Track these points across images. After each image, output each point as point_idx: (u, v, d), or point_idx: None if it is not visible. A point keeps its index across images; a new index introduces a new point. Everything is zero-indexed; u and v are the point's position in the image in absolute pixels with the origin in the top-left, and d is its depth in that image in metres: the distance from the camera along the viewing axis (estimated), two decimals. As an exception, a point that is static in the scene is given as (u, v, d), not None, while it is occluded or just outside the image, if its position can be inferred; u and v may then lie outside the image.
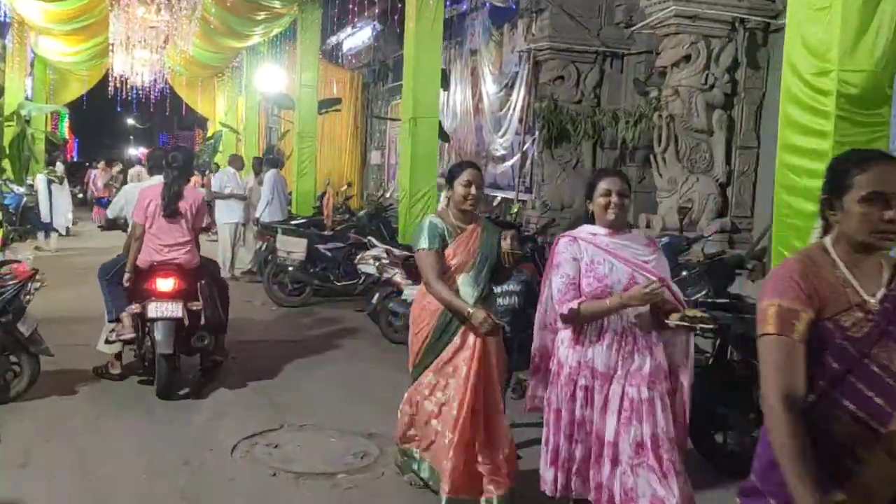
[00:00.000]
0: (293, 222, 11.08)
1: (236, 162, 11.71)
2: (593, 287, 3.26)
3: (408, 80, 9.05)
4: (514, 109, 10.98)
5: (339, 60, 19.94)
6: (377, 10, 17.08)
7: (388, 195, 13.00)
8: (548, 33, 9.28)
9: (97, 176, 19.32)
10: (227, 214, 11.28)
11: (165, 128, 41.29)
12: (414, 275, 6.67)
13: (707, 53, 7.18)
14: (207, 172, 19.44)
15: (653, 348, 3.32)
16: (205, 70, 19.83)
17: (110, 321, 6.03)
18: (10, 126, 14.81)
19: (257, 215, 11.01)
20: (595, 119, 9.04)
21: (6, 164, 11.68)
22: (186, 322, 5.65)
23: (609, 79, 9.51)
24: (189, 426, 5.21)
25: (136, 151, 46.84)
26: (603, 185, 3.36)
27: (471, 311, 3.73)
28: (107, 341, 6.05)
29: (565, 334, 3.41)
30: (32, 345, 5.61)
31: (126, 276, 5.78)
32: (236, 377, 6.40)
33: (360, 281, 9.17)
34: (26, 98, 16.69)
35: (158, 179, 6.07)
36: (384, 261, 7.89)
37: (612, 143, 9.40)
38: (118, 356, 6.10)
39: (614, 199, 3.28)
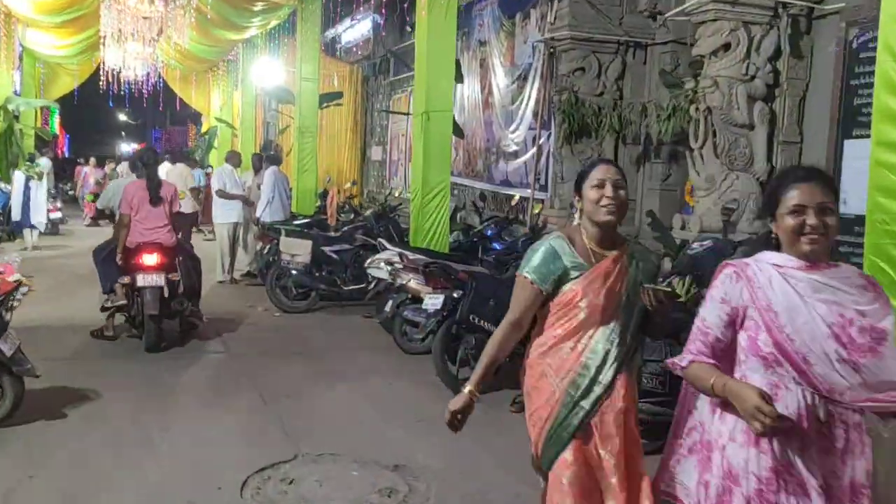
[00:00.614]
0: (296, 222, 10.48)
1: (234, 159, 11.08)
2: (761, 349, 2.26)
3: (420, 72, 8.44)
4: (527, 103, 10.38)
5: (338, 53, 19.30)
6: (377, 2, 16.48)
7: (396, 193, 12.39)
8: (567, 22, 8.67)
9: (87, 174, 18.60)
10: (224, 214, 10.65)
11: (158, 123, 40.51)
12: (436, 282, 6.08)
13: (748, 41, 6.59)
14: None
15: (865, 446, 2.28)
16: (199, 64, 19.13)
17: (104, 293, 7.23)
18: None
19: (258, 215, 10.38)
20: (621, 112, 8.44)
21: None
22: (167, 290, 6.85)
23: (631, 70, 8.92)
24: (193, 459, 4.60)
25: (128, 147, 46.07)
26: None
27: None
28: (102, 308, 7.25)
29: (728, 417, 2.33)
30: (15, 365, 5.02)
31: (118, 256, 6.91)
32: (242, 396, 5.80)
33: (371, 285, 8.57)
34: (14, 93, 15.98)
35: (134, 178, 7.53)
36: (398, 265, 7.30)
37: (635, 138, 8.81)
38: (110, 320, 7.28)
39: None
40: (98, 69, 18.39)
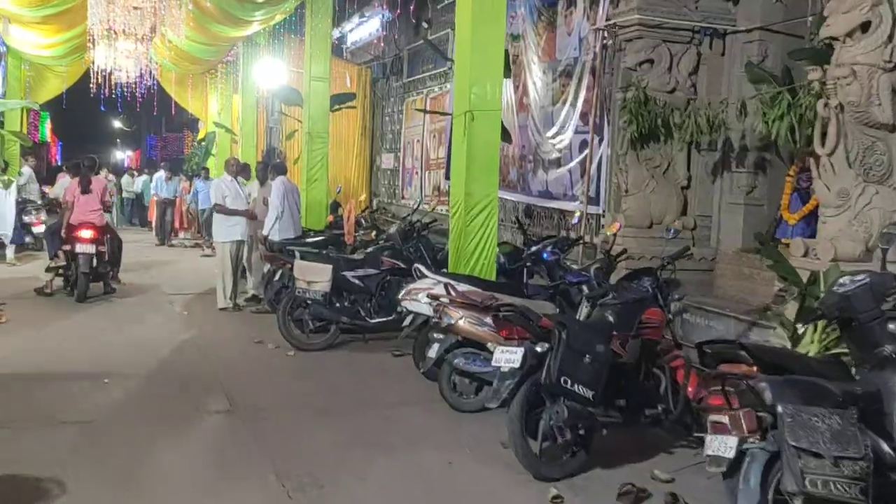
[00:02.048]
0: (308, 239, 8.98)
1: (234, 167, 9.53)
2: None
3: (462, 64, 6.97)
4: (573, 103, 8.91)
5: (344, 55, 17.78)
6: (387, -1, 15.02)
7: (412, 204, 10.89)
8: (636, 5, 7.19)
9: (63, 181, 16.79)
10: (225, 231, 9.14)
11: (153, 129, 38.83)
12: (512, 329, 4.59)
13: (892, 20, 5.15)
14: (193, 178, 17.22)
15: None
16: (196, 65, 17.58)
17: (50, 258, 9.75)
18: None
19: (265, 233, 8.86)
20: (705, 112, 6.96)
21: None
22: (95, 257, 9.17)
23: (707, 62, 7.47)
24: None
25: (122, 155, 44.37)
26: None
27: None
28: (47, 269, 9.68)
29: None
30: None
31: (63, 231, 9.22)
32: (253, 481, 4.28)
33: (403, 318, 7.10)
34: (-6, 95, 14.44)
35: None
36: (443, 299, 5.80)
37: (711, 143, 7.34)
38: (51, 282, 9.57)
39: None
40: (88, 72, 16.87)
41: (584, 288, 5.95)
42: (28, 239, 13.62)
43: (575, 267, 6.77)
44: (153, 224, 18.06)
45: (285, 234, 8.87)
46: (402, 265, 7.66)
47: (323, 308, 7.27)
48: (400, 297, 6.54)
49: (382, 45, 15.97)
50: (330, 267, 7.28)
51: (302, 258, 7.39)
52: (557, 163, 9.38)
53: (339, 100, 12.66)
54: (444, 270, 7.63)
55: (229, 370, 6.55)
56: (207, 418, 5.40)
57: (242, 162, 10.08)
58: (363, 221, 10.40)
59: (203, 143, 19.63)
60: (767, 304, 6.65)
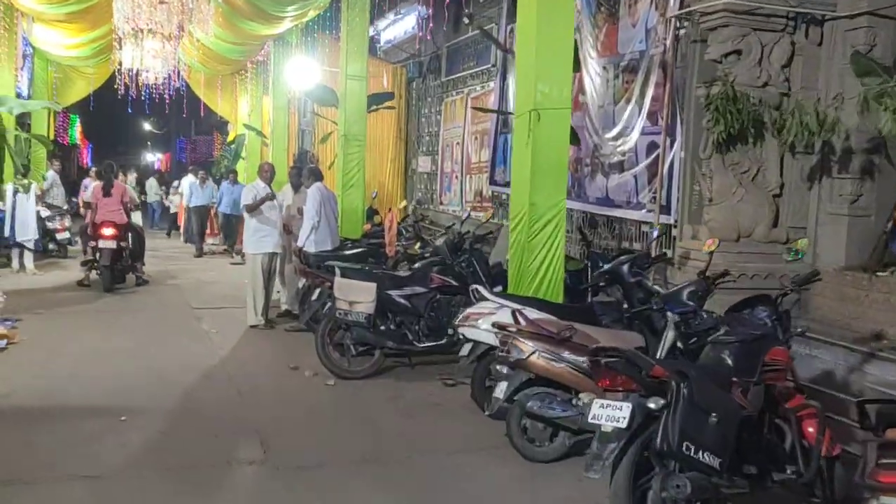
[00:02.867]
0: (346, 251, 8.13)
1: (269, 173, 8.68)
2: None
3: (526, 57, 6.08)
4: (639, 101, 7.96)
5: (377, 53, 16.93)
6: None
7: (451, 211, 10.00)
8: (723, -12, 6.25)
9: (89, 186, 15.76)
10: (257, 242, 8.31)
11: (182, 132, 38.36)
12: (619, 380, 3.66)
13: None
14: (220, 181, 16.23)
15: None
16: (225, 66, 16.85)
17: (84, 253, 11.46)
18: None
19: (299, 244, 8.02)
20: (818, 108, 5.98)
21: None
22: (117, 252, 10.23)
23: (803, 53, 6.49)
24: None
25: (153, 157, 44.05)
26: None
27: None
28: (82, 263, 10.86)
29: None
30: None
31: (88, 229, 10.61)
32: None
33: (455, 342, 6.23)
34: (18, 96, 13.79)
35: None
36: (512, 329, 4.91)
37: (808, 145, 6.35)
38: (87, 275, 10.58)
39: None
40: (115, 74, 16.23)
41: (670, 315, 4.99)
42: (52, 246, 12.98)
43: (658, 288, 5.81)
44: (182, 231, 17.29)
45: (322, 246, 8.03)
46: (454, 283, 6.78)
47: (366, 332, 6.41)
48: (456, 322, 5.65)
49: (419, 43, 15.13)
50: (373, 286, 6.40)
51: (343, 275, 6.53)
52: (619, 167, 8.42)
53: (377, 100, 11.83)
54: (499, 289, 6.79)
55: (263, 406, 5.71)
56: (238, 470, 4.55)
57: (270, 163, 9.19)
58: (404, 231, 9.53)
59: (232, 146, 18.90)
60: (881, 331, 5.69)
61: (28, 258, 11.22)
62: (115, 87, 15.96)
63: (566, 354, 4.71)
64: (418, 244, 8.25)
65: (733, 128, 6.21)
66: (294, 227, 8.55)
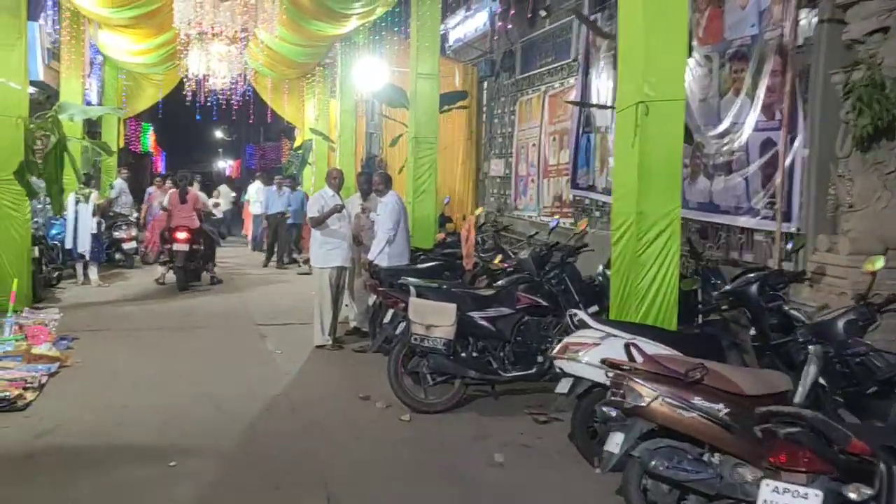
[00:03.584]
0: (420, 265, 7.36)
1: (338, 180, 7.95)
2: None
3: (631, 42, 5.19)
4: (750, 93, 6.94)
5: (445, 53, 16.15)
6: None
7: (527, 216, 9.12)
8: (869, -47, 5.22)
9: (152, 195, 14.42)
10: (325, 255, 7.61)
11: (252, 139, 38.46)
12: (801, 456, 2.73)
13: None
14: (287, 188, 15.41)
15: None
16: (292, 69, 16.36)
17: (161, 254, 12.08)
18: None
19: (371, 258, 7.28)
20: None
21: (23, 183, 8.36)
22: (190, 253, 11.08)
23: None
24: None
25: (224, 164, 44.44)
26: None
27: None
28: (160, 263, 11.75)
29: None
30: None
31: (165, 232, 11.24)
32: None
33: (546, 370, 5.38)
34: (87, 104, 13.54)
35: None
36: (625, 368, 4.03)
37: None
38: (164, 274, 11.42)
39: None
40: (183, 81, 15.96)
41: (813, 349, 3.99)
42: (118, 256, 12.64)
43: (800, 315, 4.81)
44: (250, 239, 16.86)
45: (397, 261, 7.28)
46: (543, 302, 5.91)
47: (445, 359, 5.60)
48: (553, 353, 4.78)
49: (490, 40, 14.30)
50: (453, 307, 5.59)
51: (419, 295, 5.74)
52: (727, 168, 7.39)
53: (450, 99, 11.07)
54: (594, 310, 5.91)
55: (330, 446, 4.96)
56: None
57: (339, 170, 8.48)
58: (481, 241, 8.70)
59: (299, 152, 18.42)
60: None
61: (92, 270, 10.84)
62: (184, 93, 15.66)
63: (697, 401, 3.79)
64: (500, 257, 7.40)
65: (881, 120, 5.16)
66: (364, 237, 7.83)
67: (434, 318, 5.56)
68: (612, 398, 4.01)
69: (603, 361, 4.14)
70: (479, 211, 9.03)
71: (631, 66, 5.15)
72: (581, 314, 4.85)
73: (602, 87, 9.87)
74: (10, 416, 5.28)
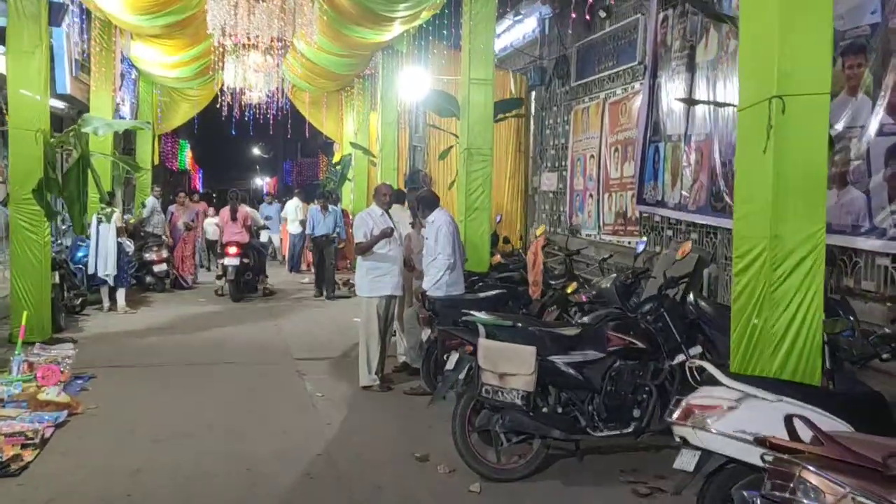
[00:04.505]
0: (480, 293, 6.33)
1: (388, 197, 6.91)
2: None
3: (758, 23, 4.10)
4: (870, 91, 5.81)
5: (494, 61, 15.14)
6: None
7: (584, 235, 8.06)
8: None
9: (175, 215, 13.24)
10: (371, 283, 6.59)
11: (289, 156, 37.89)
12: None
13: None
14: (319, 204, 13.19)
15: None
16: (331, 81, 15.50)
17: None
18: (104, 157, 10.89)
19: (426, 287, 6.26)
20: None
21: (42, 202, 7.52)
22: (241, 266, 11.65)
23: None
24: None
25: (261, 182, 43.98)
26: None
27: None
28: (217, 277, 12.39)
29: None
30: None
31: (218, 247, 12.28)
32: None
33: (643, 428, 4.30)
34: (119, 117, 12.80)
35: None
36: (795, 456, 2.93)
37: None
38: (222, 287, 12.00)
39: None
40: (219, 95, 15.23)
41: None
42: (149, 279, 11.82)
43: None
44: (287, 259, 15.91)
45: (455, 289, 6.25)
46: (640, 344, 4.82)
47: (524, 416, 4.53)
48: (673, 418, 3.68)
49: (540, 46, 13.29)
50: (533, 351, 4.53)
51: (489, 335, 4.68)
52: (840, 179, 6.24)
53: (504, 107, 10.04)
54: (697, 351, 4.83)
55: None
56: None
57: (388, 185, 7.46)
58: (564, 266, 7.61)
59: (338, 168, 17.53)
60: None
61: (119, 295, 9.98)
62: (218, 106, 14.90)
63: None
64: (574, 285, 6.30)
65: None
66: (416, 261, 6.82)
67: (509, 366, 4.51)
68: (776, 492, 2.91)
69: (760, 442, 3.04)
70: (540, 230, 7.95)
71: (760, 52, 4.07)
72: (711, 368, 3.75)
73: (674, 90, 8.78)
74: (1, 484, 4.35)
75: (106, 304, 9.99)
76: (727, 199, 7.79)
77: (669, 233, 9.06)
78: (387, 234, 6.44)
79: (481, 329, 4.72)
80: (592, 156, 11.29)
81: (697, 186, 8.38)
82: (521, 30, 14.16)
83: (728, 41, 7.82)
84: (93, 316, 9.69)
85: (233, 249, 11.37)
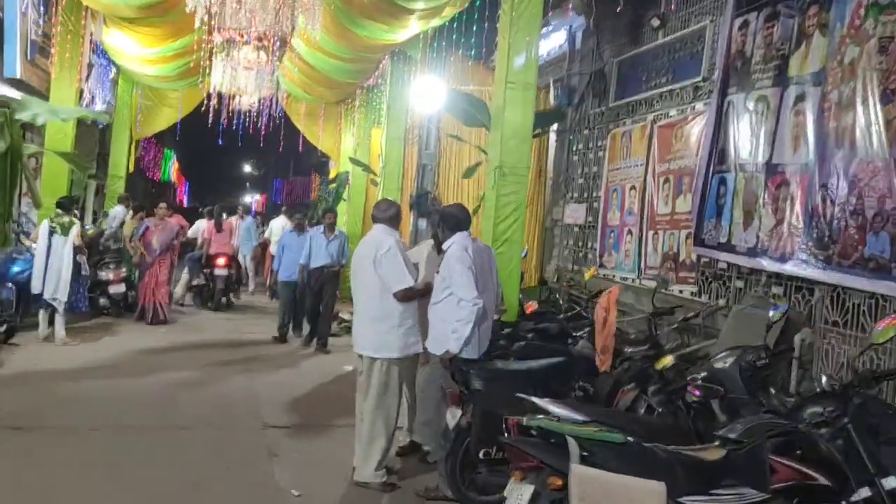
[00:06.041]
0: (529, 362, 4.44)
1: (395, 218, 5.04)
2: None
3: None
4: None
5: (511, 80, 13.36)
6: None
7: (619, 278, 6.22)
8: None
9: (150, 231, 10.08)
10: (405, 338, 4.62)
11: (280, 173, 35.97)
12: None
13: None
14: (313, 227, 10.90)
15: None
16: (330, 90, 13.62)
17: (190, 279, 11.98)
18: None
19: (455, 350, 4.34)
20: None
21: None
22: (228, 277, 11.94)
23: None
24: None
25: (250, 199, 42.10)
26: None
27: None
28: (188, 287, 12.08)
29: None
30: None
31: (203, 258, 11.77)
32: None
33: None
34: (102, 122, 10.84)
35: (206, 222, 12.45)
36: None
37: None
38: (183, 296, 11.96)
39: None
40: (205, 100, 13.40)
41: None
42: (103, 301, 9.78)
43: None
44: (268, 286, 13.69)
45: (484, 345, 4.35)
46: (823, 480, 2.92)
47: None
48: None
49: (569, 61, 11.53)
50: (660, 490, 2.62)
51: (585, 460, 2.75)
52: None
53: (545, 120, 8.25)
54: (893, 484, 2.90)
55: None
56: None
57: (395, 203, 5.54)
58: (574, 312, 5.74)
59: (333, 186, 15.57)
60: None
61: (59, 322, 7.94)
62: (203, 110, 13.03)
63: None
64: (669, 358, 4.36)
65: None
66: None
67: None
68: None
69: None
70: (590, 273, 6.04)
71: None
72: None
73: (753, 109, 7.00)
74: None
75: (43, 331, 7.95)
76: (834, 247, 5.93)
77: (740, 284, 7.22)
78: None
79: (572, 445, 2.80)
80: (633, 186, 9.43)
81: (785, 229, 6.55)
82: (545, 46, 12.40)
83: (843, 49, 6.03)
84: (23, 346, 7.66)
85: (221, 261, 11.63)
